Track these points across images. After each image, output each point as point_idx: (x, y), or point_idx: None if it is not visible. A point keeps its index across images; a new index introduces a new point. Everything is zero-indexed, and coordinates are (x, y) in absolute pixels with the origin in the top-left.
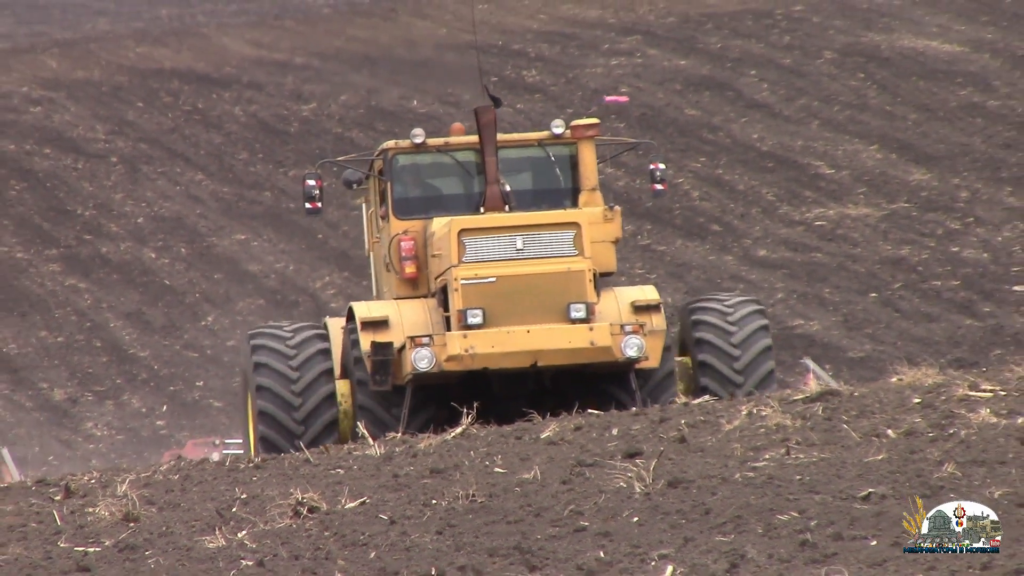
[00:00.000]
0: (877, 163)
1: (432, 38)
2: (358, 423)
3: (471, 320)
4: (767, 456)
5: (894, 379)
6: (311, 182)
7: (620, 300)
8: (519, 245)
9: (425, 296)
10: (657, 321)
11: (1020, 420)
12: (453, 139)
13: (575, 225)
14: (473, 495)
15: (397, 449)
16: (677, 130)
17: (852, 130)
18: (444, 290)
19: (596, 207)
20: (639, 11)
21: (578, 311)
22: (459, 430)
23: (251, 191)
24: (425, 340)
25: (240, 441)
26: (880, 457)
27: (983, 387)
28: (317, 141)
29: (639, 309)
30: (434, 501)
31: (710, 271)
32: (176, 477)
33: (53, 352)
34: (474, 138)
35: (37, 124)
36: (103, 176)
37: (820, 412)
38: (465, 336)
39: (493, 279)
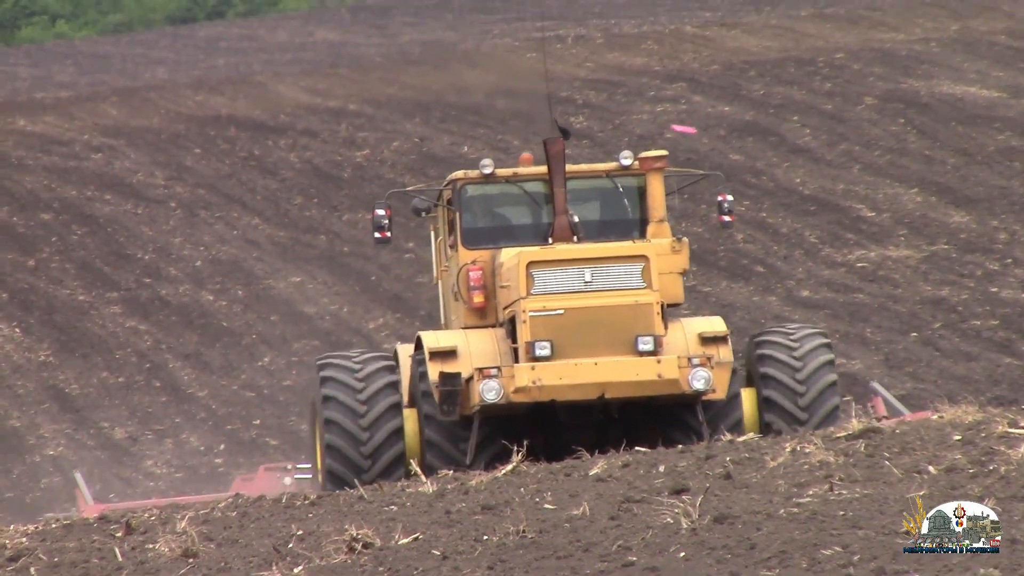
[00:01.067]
0: (917, 206)
1: (482, 86)
2: (411, 460)
3: (539, 352)
4: (811, 492)
5: (935, 416)
6: (380, 212)
7: (687, 331)
8: (587, 277)
9: (493, 325)
10: (724, 353)
11: None
12: (522, 169)
13: (643, 258)
14: (523, 531)
15: (449, 486)
16: (722, 174)
17: (893, 174)
18: (512, 321)
19: (664, 238)
20: (683, 59)
21: (646, 344)
22: (510, 467)
23: (306, 235)
24: (493, 371)
25: (311, 466)
26: (922, 493)
27: (1022, 424)
28: (370, 186)
29: (706, 341)
30: (485, 537)
31: (754, 312)
32: (234, 514)
33: (114, 392)
34: (542, 169)
35: (98, 170)
36: (162, 221)
37: (862, 449)
38: (533, 368)
39: (561, 311)
